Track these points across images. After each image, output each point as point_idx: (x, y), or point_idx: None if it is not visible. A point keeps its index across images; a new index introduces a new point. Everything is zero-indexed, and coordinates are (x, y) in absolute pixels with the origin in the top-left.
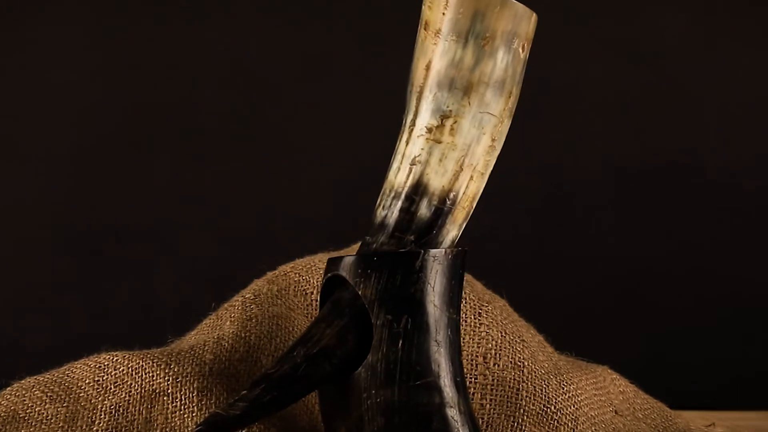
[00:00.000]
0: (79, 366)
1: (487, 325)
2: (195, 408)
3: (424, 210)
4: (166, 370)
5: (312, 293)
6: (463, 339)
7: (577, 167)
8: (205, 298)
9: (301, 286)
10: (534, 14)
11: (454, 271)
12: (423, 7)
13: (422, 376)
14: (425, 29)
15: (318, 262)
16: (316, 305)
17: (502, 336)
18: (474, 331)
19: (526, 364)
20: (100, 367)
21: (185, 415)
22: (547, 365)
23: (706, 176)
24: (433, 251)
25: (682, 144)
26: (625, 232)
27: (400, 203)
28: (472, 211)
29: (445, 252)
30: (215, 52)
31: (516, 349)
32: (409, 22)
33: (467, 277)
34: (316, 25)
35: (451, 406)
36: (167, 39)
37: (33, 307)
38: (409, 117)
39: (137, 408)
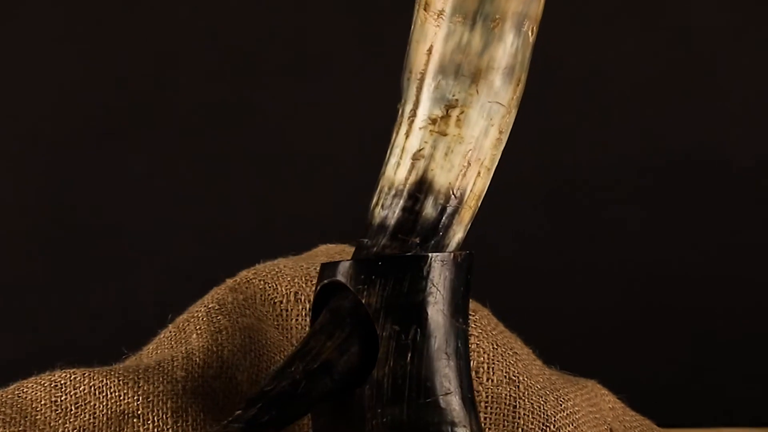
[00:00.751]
0: (30, 385)
1: (477, 336)
2: (170, 430)
3: (429, 209)
4: (135, 389)
5: (281, 302)
6: None
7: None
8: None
9: (268, 294)
10: None
11: (462, 276)
12: None
13: (433, 392)
14: (425, 10)
15: (283, 267)
16: (286, 315)
17: (494, 348)
18: None
19: (521, 378)
20: (56, 386)
21: None
22: (542, 380)
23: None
24: (441, 255)
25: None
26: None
27: (402, 202)
28: (477, 210)
29: (454, 256)
30: (195, 36)
31: (509, 362)
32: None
33: None
34: (314, 16)
35: (464, 426)
36: (149, 28)
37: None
38: (408, 107)
39: (104, 429)
